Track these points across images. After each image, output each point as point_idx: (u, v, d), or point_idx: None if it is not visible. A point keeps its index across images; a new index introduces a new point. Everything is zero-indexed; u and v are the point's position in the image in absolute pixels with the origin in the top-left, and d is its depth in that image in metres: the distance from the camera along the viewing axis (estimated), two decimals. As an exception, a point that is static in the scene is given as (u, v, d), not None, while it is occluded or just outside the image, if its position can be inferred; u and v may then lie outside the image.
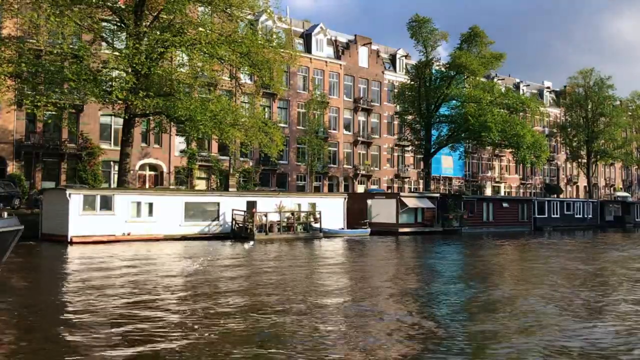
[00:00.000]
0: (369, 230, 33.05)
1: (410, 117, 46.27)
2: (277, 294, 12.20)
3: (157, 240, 26.27)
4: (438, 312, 10.56)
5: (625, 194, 68.02)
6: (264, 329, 8.89)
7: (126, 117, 27.70)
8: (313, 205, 31.91)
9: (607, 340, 8.47)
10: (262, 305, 10.85)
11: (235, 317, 9.81)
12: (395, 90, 49.42)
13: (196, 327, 8.99)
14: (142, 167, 37.77)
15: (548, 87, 70.61)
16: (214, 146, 39.95)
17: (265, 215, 28.99)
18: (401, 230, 34.56)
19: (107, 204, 25.83)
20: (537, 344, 8.10)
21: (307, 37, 47.31)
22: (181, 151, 38.92)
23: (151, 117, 29.98)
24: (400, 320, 9.71)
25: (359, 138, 49.79)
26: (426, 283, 14.65)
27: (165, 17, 27.25)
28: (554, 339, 8.45)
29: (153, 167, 38.54)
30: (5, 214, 12.63)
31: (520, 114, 46.55)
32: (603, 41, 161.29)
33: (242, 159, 40.88)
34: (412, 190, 51.18)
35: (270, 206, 29.96)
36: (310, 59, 46.54)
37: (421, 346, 8.07)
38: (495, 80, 53.75)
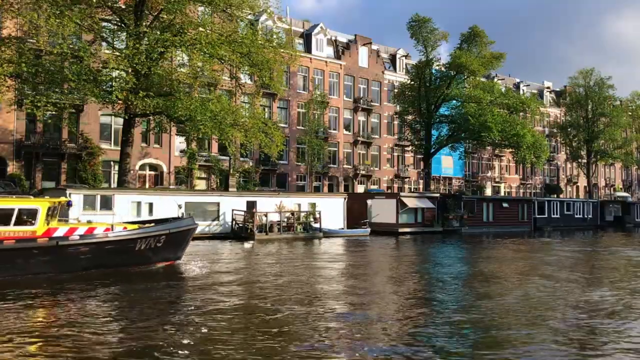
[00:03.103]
0: (368, 230, 33.05)
1: (410, 117, 46.26)
2: (277, 297, 12.19)
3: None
4: (440, 316, 10.54)
5: (625, 194, 68.01)
6: (263, 333, 8.89)
7: (126, 117, 27.70)
8: (313, 205, 31.90)
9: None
10: (262, 307, 10.84)
11: (237, 320, 9.80)
12: (395, 90, 49.39)
13: (197, 330, 8.99)
14: (142, 167, 37.77)
15: (548, 87, 70.58)
16: (214, 146, 39.94)
17: (265, 215, 28.99)
18: (401, 230, 34.54)
19: (107, 204, 25.85)
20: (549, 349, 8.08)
21: (307, 37, 47.30)
22: (181, 151, 38.93)
23: (151, 117, 29.97)
24: (402, 324, 9.70)
25: (359, 138, 49.77)
26: (428, 285, 14.64)
27: (165, 17, 27.24)
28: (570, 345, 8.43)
29: (153, 167, 38.54)
30: (185, 214, 17.49)
31: (520, 114, 46.54)
32: (603, 41, 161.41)
33: (242, 159, 40.87)
34: (412, 190, 51.16)
35: (270, 206, 29.96)
36: (310, 58, 46.54)
37: (423, 351, 8.06)
38: (495, 80, 53.78)
